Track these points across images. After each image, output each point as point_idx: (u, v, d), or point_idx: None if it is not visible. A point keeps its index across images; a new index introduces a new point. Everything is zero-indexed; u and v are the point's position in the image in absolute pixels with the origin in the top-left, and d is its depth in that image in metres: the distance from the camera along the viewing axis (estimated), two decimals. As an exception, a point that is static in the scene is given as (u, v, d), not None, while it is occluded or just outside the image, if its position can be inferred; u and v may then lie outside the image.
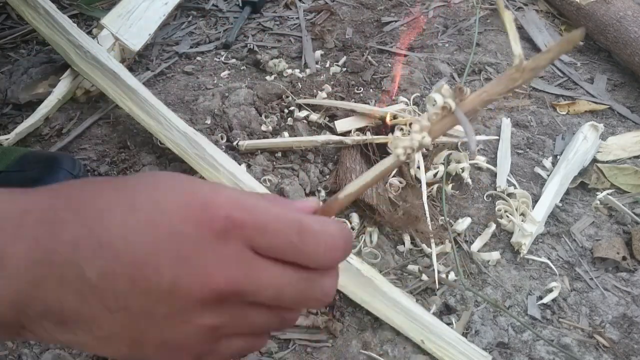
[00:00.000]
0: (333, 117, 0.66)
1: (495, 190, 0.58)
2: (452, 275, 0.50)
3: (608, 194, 0.57)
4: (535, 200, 0.57)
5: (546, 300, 0.48)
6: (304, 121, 0.67)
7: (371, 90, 0.72)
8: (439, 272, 0.49)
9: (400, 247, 0.52)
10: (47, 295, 0.25)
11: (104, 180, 0.33)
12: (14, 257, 0.25)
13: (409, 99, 0.68)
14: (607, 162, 0.62)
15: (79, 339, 0.27)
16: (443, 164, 0.58)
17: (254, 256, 0.27)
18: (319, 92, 0.71)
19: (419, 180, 0.56)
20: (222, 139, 0.63)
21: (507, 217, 0.55)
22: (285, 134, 0.64)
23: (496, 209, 0.56)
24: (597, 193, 0.58)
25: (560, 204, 0.58)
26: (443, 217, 0.54)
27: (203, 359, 0.29)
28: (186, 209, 0.27)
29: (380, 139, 0.59)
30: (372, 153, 0.58)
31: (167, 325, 0.27)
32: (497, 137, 0.63)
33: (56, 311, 0.26)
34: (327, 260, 0.29)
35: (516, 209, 0.55)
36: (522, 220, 0.54)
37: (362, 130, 0.63)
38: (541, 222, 0.54)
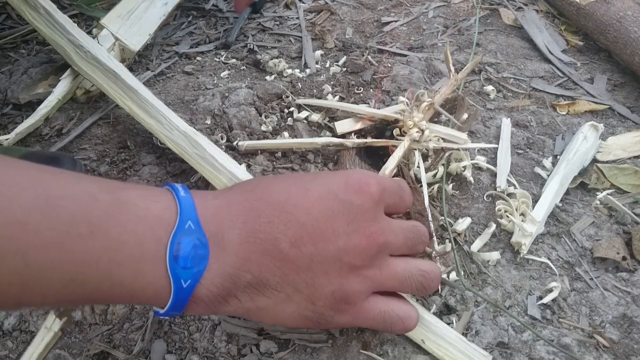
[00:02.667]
0: (333, 117, 0.66)
1: (495, 190, 0.58)
2: (452, 275, 0.50)
3: (608, 194, 0.57)
4: (535, 200, 0.57)
5: (546, 300, 0.48)
6: (304, 121, 0.67)
7: (371, 90, 0.72)
8: (439, 272, 0.49)
9: (400, 247, 0.52)
10: (253, 266, 0.32)
11: (275, 176, 0.40)
12: (231, 241, 0.32)
13: (409, 99, 0.68)
14: (607, 162, 0.63)
15: (269, 301, 0.33)
16: (443, 164, 0.58)
17: (385, 215, 0.37)
18: (328, 95, 0.71)
19: (419, 181, 0.56)
20: (222, 139, 0.63)
21: (507, 217, 0.55)
22: (285, 134, 0.65)
23: (496, 209, 0.56)
24: (597, 193, 0.58)
25: (560, 204, 0.58)
26: (443, 217, 0.54)
27: (354, 313, 0.36)
28: (346, 185, 0.35)
29: (380, 142, 0.59)
30: (372, 154, 0.58)
31: (336, 279, 0.34)
32: (495, 146, 0.63)
33: (258, 279, 0.32)
34: (411, 202, 0.41)
35: (516, 209, 0.55)
36: (522, 220, 0.54)
37: (362, 131, 0.63)
38: (541, 222, 0.54)
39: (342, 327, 0.42)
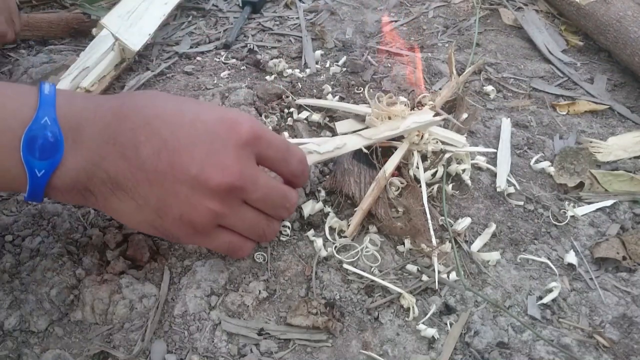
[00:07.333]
0: (333, 117, 0.66)
1: (495, 190, 0.58)
2: (452, 275, 0.50)
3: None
4: (535, 200, 0.57)
5: (546, 300, 0.48)
6: (305, 121, 0.67)
7: (371, 90, 0.72)
8: (439, 272, 0.49)
9: (400, 247, 0.52)
10: (110, 166, 0.34)
11: (164, 93, 0.40)
12: (90, 138, 0.34)
13: (410, 99, 0.68)
14: (606, 162, 0.62)
15: (122, 205, 0.35)
16: (444, 165, 0.58)
17: (256, 164, 0.38)
18: (328, 95, 0.71)
19: (418, 181, 0.56)
20: (222, 139, 0.63)
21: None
22: (285, 134, 0.64)
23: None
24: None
25: (560, 204, 0.58)
26: (443, 217, 0.54)
27: (201, 238, 0.39)
28: (220, 120, 0.36)
29: (380, 142, 0.59)
30: (373, 155, 0.58)
31: (185, 204, 0.35)
32: (494, 150, 0.63)
33: (113, 179, 0.34)
34: (299, 170, 0.41)
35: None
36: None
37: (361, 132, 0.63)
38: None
39: (189, 244, 0.46)
